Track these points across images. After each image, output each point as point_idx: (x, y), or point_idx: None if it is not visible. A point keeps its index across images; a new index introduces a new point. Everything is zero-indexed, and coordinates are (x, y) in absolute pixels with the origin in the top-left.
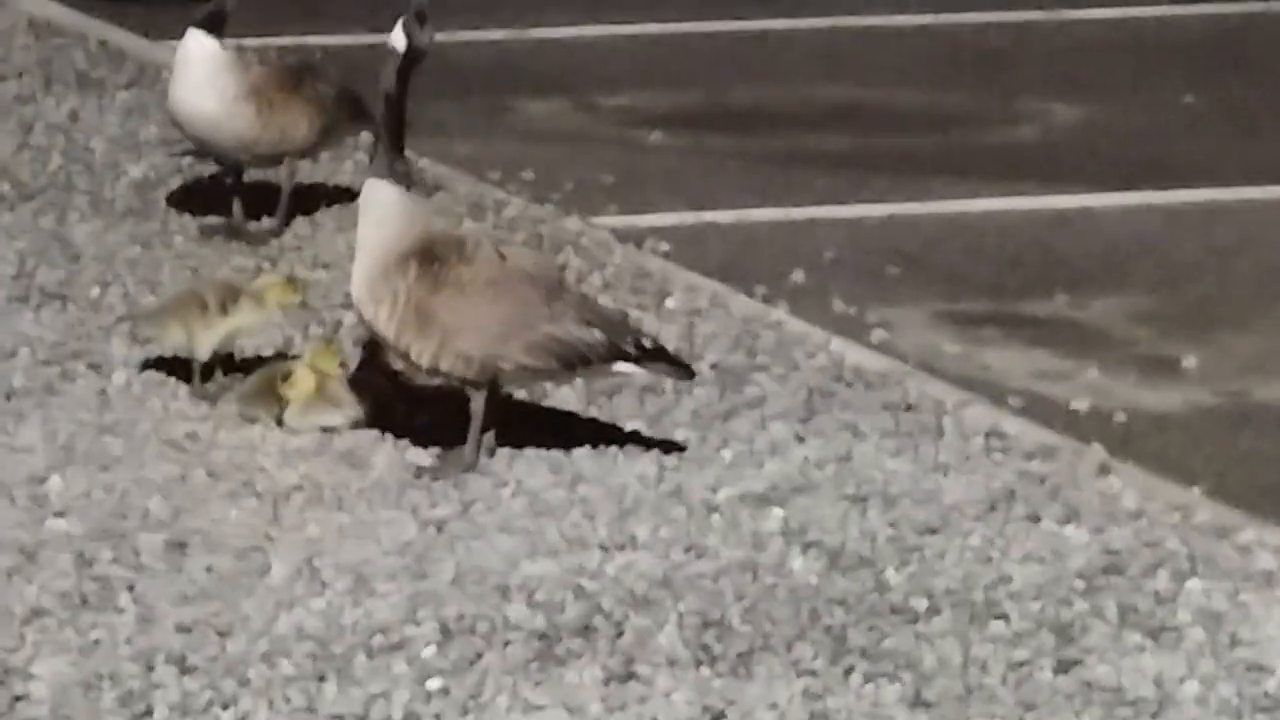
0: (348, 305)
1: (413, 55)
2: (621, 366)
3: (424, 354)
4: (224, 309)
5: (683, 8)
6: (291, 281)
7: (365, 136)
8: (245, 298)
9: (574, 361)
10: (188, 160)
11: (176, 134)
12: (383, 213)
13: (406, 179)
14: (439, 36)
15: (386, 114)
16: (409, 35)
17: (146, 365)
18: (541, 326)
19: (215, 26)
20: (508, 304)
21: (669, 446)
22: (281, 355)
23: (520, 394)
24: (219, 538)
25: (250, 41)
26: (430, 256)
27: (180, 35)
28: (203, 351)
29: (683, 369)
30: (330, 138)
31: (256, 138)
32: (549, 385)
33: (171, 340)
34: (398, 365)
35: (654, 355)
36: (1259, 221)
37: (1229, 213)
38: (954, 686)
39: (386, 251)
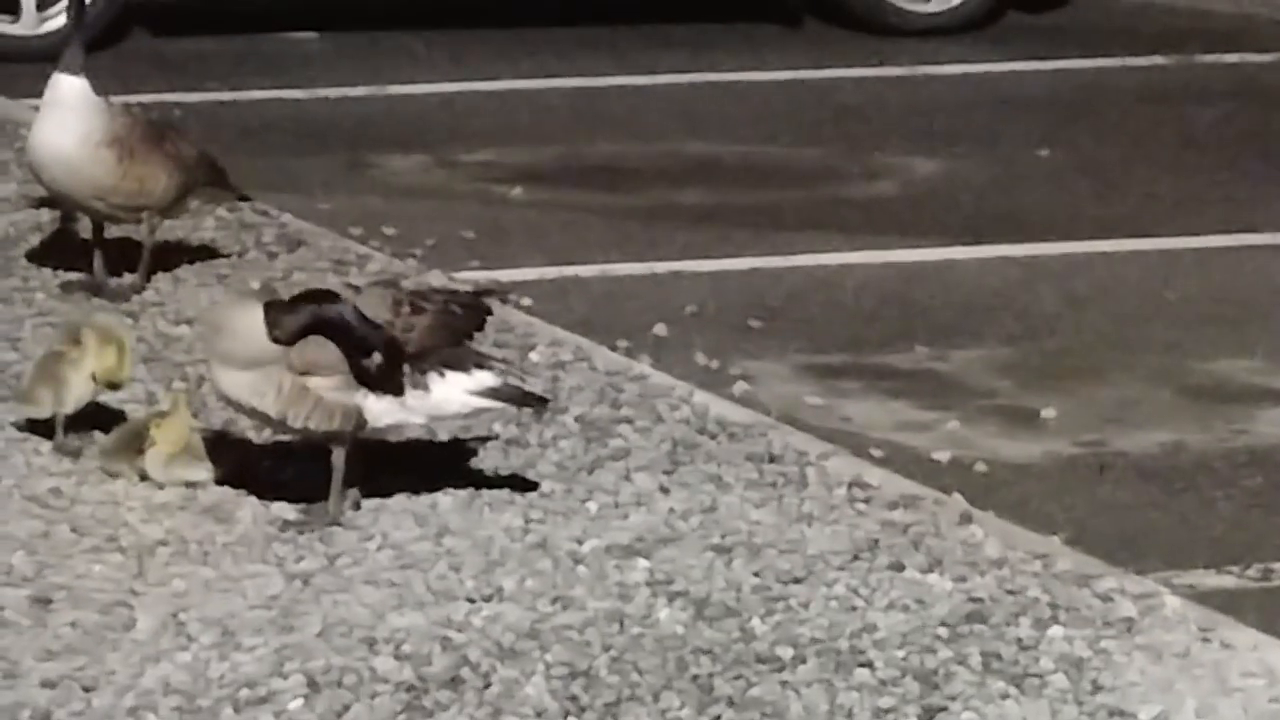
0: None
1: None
2: (483, 378)
3: (298, 418)
4: (78, 343)
5: (541, 64)
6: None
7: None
8: (86, 329)
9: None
10: (49, 216)
11: (38, 190)
12: (259, 348)
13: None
14: (298, 95)
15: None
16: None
17: (9, 422)
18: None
19: (79, 67)
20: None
21: (534, 499)
22: (143, 410)
23: (385, 446)
24: (83, 593)
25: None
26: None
27: (40, 94)
28: (74, 396)
29: (539, 401)
30: (187, 197)
31: (114, 186)
32: (412, 434)
33: (43, 408)
34: (262, 429)
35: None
36: (1114, 274)
37: (1085, 265)
38: None
39: (263, 362)
